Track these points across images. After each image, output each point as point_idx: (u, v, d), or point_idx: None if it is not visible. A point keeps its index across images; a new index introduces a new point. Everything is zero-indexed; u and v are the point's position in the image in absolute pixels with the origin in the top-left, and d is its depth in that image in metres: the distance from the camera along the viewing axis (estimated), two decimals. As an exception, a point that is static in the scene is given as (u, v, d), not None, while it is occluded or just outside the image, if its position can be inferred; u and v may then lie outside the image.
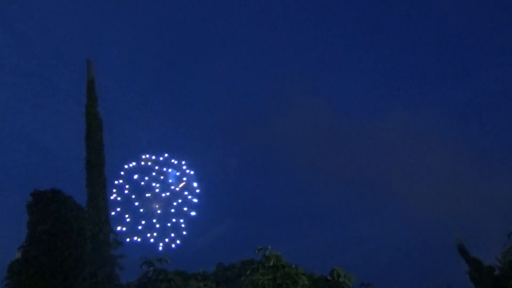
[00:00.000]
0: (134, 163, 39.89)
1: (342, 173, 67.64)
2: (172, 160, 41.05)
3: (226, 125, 65.89)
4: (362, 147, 68.27)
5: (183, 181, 40.82)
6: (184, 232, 39.36)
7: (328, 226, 67.92)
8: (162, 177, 40.45)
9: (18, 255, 29.68)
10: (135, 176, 39.60)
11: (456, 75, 76.04)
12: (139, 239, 38.06)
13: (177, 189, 40.56)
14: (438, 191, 61.31)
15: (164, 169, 40.54)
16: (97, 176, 29.15)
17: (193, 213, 39.84)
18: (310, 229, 67.14)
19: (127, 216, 38.52)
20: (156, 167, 40.14)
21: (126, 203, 39.16)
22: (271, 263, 24.92)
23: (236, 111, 72.24)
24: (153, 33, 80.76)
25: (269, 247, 25.34)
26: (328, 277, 26.64)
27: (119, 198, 38.43)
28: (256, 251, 25.76)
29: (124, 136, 58.20)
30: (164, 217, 39.79)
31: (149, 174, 40.33)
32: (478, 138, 68.10)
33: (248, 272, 25.89)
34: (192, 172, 40.92)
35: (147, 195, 39.41)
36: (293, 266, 25.39)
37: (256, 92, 74.74)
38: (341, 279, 26.32)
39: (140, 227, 38.69)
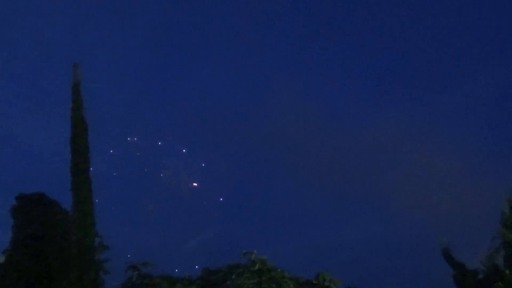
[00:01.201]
0: None
1: (330, 177, 67.83)
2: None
3: (215, 129, 65.93)
4: (350, 151, 68.54)
5: None
6: None
7: (314, 230, 68.02)
8: None
9: (2, 259, 29.38)
10: None
11: (446, 78, 76.74)
12: None
13: None
14: (425, 195, 61.71)
15: None
16: (83, 180, 29.12)
17: None
18: (297, 233, 67.20)
19: None
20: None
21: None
22: (257, 267, 24.95)
23: (224, 115, 72.32)
24: (142, 36, 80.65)
25: (255, 251, 25.40)
26: (314, 281, 26.71)
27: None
28: (242, 255, 25.78)
29: (112, 139, 58.00)
30: None
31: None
32: (465, 141, 68.65)
33: (233, 277, 25.85)
34: None
35: None
36: (279, 270, 25.43)
37: (245, 96, 74.86)
38: (326, 283, 26.41)
39: None
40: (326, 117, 71.93)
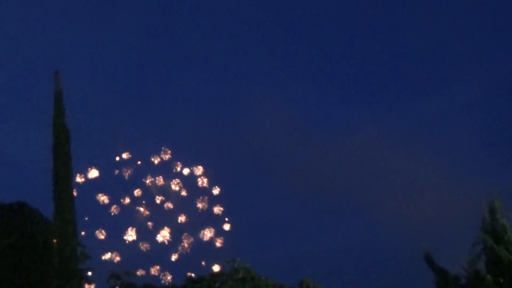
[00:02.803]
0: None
1: (312, 186, 68.17)
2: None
3: (197, 138, 65.83)
4: (332, 159, 69.00)
5: None
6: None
7: (297, 237, 68.16)
8: None
9: (-19, 270, 28.96)
10: None
11: (424, 84, 77.56)
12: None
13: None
14: (408, 201, 62.31)
15: None
16: (64, 189, 28.91)
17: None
18: (280, 241, 67.31)
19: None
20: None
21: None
22: (240, 275, 24.94)
23: (206, 122, 72.26)
24: (124, 44, 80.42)
25: (238, 259, 25.38)
26: (297, 288, 26.75)
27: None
28: (225, 263, 25.77)
29: (95, 147, 57.65)
30: None
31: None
32: (446, 148, 69.46)
33: (217, 285, 25.81)
34: None
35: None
36: (263, 278, 25.45)
37: (227, 103, 74.96)
38: (310, 291, 26.47)
39: None
40: (307, 125, 72.41)
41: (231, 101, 74.65)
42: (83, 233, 34.17)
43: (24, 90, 75.90)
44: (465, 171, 64.95)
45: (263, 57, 78.02)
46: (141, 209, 43.06)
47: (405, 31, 78.50)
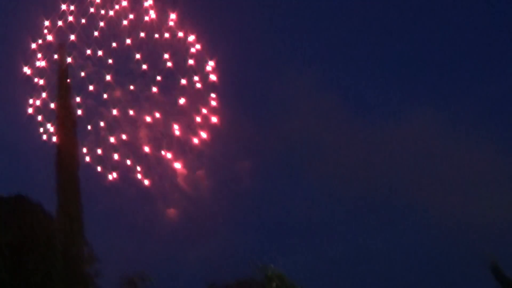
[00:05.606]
0: None
1: (353, 181, 67.18)
2: None
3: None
4: (379, 149, 67.83)
5: None
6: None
7: (334, 239, 67.36)
8: None
9: (-25, 271, 29.26)
10: None
11: (494, 64, 75.52)
12: None
13: None
14: (468, 200, 61.03)
15: None
16: (69, 180, 28.82)
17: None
18: (314, 243, 66.63)
19: None
20: None
21: None
22: (274, 286, 24.60)
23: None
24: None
25: (272, 265, 25.00)
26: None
27: None
28: (256, 270, 25.43)
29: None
30: None
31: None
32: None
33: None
34: None
35: None
36: (299, 287, 25.11)
37: (257, 90, 74.32)
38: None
39: None
40: (351, 112, 71.14)
41: (263, 86, 74.06)
42: None
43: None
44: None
45: (298, 36, 77.12)
46: None
47: (467, 5, 76.75)
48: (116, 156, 40.33)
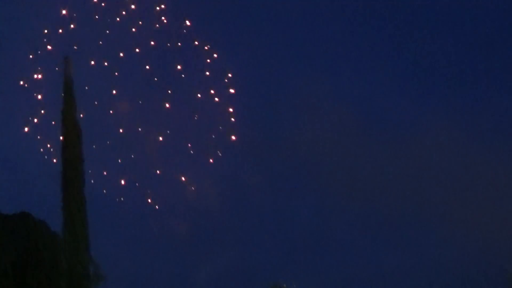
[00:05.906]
0: None
1: (367, 195, 66.62)
2: None
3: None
4: (395, 163, 67.24)
5: None
6: None
7: (350, 256, 66.84)
8: None
9: (-23, 291, 29.07)
10: None
11: (507, 78, 74.95)
12: None
13: None
14: (490, 214, 60.24)
15: None
16: (74, 196, 28.75)
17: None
18: (326, 260, 66.08)
19: None
20: None
21: None
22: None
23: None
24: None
25: (285, 285, 24.55)
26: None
27: None
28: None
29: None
30: None
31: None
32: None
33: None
34: None
35: None
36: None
37: (267, 101, 73.93)
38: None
39: None
40: (364, 123, 70.67)
41: (273, 92, 73.74)
42: None
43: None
44: None
45: (311, 44, 76.85)
46: None
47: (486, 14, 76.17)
48: (122, 182, 39.41)
